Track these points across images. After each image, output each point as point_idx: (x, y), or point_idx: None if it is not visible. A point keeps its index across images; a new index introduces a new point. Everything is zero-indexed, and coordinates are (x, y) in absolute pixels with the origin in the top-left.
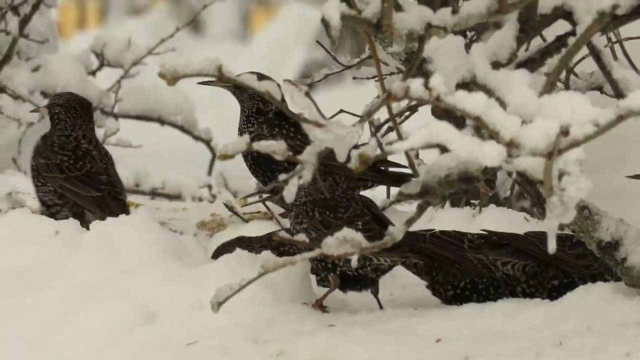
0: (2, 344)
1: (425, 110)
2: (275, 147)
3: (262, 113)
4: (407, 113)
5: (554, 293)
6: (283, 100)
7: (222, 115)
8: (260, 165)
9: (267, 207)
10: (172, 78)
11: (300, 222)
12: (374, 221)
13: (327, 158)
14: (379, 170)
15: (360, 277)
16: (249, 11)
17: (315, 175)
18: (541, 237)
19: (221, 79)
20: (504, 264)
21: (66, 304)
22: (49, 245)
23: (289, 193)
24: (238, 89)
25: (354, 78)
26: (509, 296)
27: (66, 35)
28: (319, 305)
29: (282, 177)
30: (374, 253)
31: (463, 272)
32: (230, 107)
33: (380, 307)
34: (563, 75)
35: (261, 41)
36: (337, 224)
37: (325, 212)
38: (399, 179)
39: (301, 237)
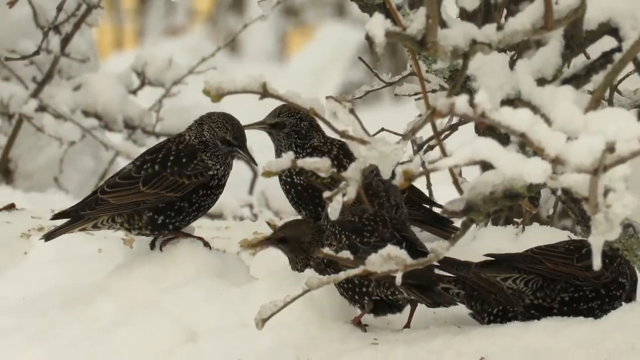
0: None
1: (466, 130)
2: (320, 164)
3: (300, 150)
4: (447, 132)
5: (565, 307)
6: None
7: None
8: (304, 199)
9: None
10: (216, 95)
11: (329, 244)
12: (401, 244)
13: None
14: (425, 210)
15: (391, 302)
16: (286, 32)
17: (360, 194)
18: (546, 252)
19: (265, 96)
20: (504, 279)
21: (109, 322)
22: (92, 263)
23: (333, 210)
24: (274, 128)
25: (396, 95)
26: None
27: (103, 56)
28: (357, 323)
29: (326, 194)
30: (407, 289)
31: (498, 301)
32: None
33: (408, 325)
34: (606, 93)
35: (298, 62)
36: (364, 249)
37: (351, 236)
38: (441, 221)
39: (345, 254)
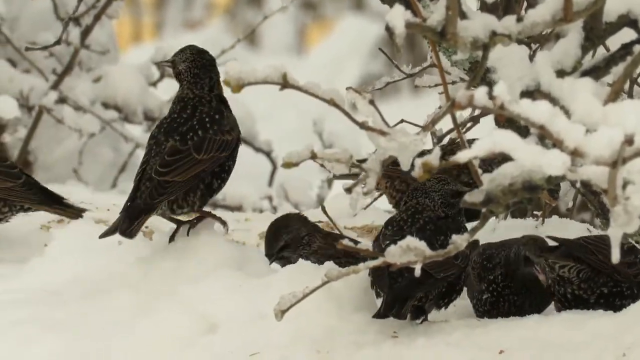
0: (65, 353)
1: (486, 122)
2: (340, 155)
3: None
4: (469, 124)
5: (601, 300)
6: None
7: (282, 128)
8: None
9: (330, 218)
10: (236, 85)
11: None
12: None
13: None
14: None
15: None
16: (305, 25)
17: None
18: (597, 243)
19: (286, 87)
20: (561, 267)
21: (129, 314)
22: (111, 255)
23: (353, 202)
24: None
25: (416, 86)
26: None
27: (123, 49)
28: None
29: (345, 185)
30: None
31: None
32: (290, 121)
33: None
34: (626, 85)
35: (317, 55)
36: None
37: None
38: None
39: (365, 245)
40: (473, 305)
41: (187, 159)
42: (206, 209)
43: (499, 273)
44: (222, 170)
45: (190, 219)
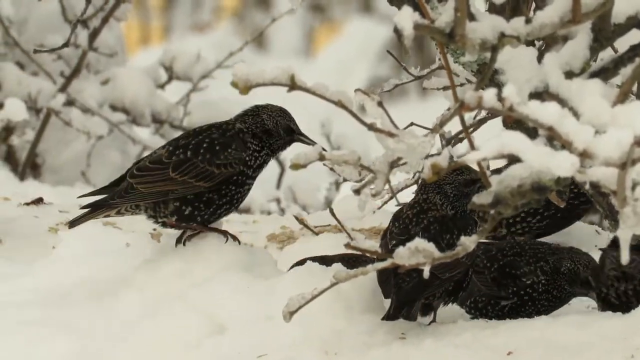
0: (73, 354)
1: (494, 123)
2: (348, 157)
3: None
4: (476, 125)
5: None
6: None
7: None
8: None
9: (338, 220)
10: (244, 87)
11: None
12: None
13: None
14: None
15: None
16: (313, 28)
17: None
18: None
19: (294, 88)
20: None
21: (136, 315)
22: (119, 257)
23: (362, 204)
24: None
25: (424, 88)
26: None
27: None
28: None
29: (354, 187)
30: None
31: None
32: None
33: (434, 319)
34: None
35: (325, 58)
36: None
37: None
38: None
39: (373, 247)
40: (471, 307)
41: (161, 172)
42: None
43: (538, 281)
44: (198, 200)
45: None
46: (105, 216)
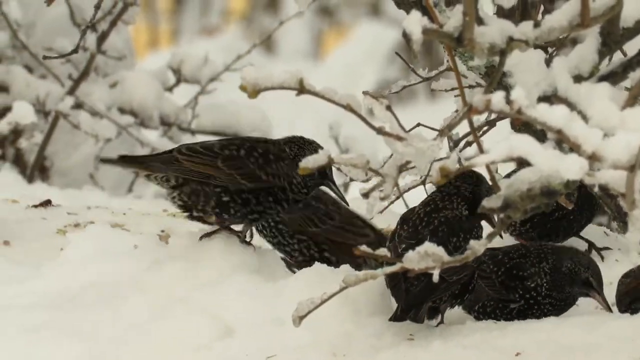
0: (81, 357)
1: (502, 126)
2: (356, 160)
3: None
4: (485, 128)
5: None
6: None
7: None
8: None
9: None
10: (253, 91)
11: None
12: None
13: None
14: None
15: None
16: (321, 32)
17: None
18: None
19: (302, 92)
20: None
21: (144, 318)
22: (127, 259)
23: (370, 206)
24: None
25: (432, 90)
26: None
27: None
28: None
29: (362, 190)
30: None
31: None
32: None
33: (442, 321)
34: None
35: (333, 61)
36: None
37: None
38: None
39: (382, 251)
40: (479, 312)
41: (210, 158)
42: None
43: (541, 283)
44: (237, 195)
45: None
46: (134, 171)
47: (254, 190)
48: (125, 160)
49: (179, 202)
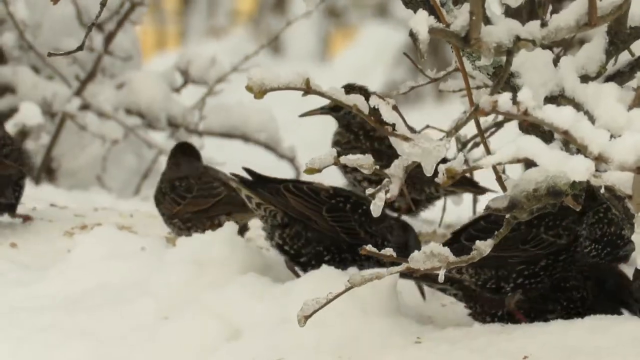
0: (88, 359)
1: (511, 127)
2: (363, 161)
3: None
4: (493, 129)
5: None
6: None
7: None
8: None
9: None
10: (259, 91)
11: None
12: None
13: None
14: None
15: None
16: (329, 33)
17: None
18: None
19: (308, 92)
20: None
21: (151, 319)
22: (135, 261)
23: (376, 207)
24: (334, 111)
25: (440, 90)
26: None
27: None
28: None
29: (369, 191)
30: None
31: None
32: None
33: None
34: None
35: (341, 63)
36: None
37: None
38: None
39: (388, 251)
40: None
41: (315, 204)
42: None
43: (587, 295)
44: (337, 250)
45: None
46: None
47: (351, 246)
48: (240, 182)
49: (277, 241)
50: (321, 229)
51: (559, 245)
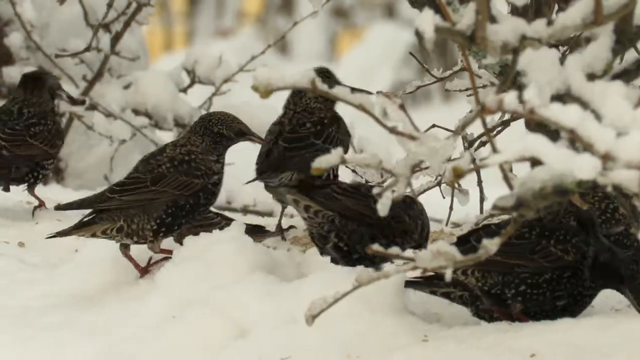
0: (97, 358)
1: (518, 126)
2: (369, 160)
3: None
4: (500, 127)
5: None
6: None
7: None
8: None
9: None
10: (265, 91)
11: None
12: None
13: None
14: None
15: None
16: (336, 34)
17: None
18: None
19: (314, 92)
20: None
21: (159, 318)
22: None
23: (383, 207)
24: None
25: (447, 90)
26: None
27: (153, 58)
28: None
29: (376, 190)
30: None
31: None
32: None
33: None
34: None
35: (348, 63)
36: None
37: None
38: None
39: (395, 250)
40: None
41: (141, 186)
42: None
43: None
44: (182, 207)
45: None
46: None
47: (190, 196)
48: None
49: (334, 240)
50: (374, 222)
51: (566, 261)
